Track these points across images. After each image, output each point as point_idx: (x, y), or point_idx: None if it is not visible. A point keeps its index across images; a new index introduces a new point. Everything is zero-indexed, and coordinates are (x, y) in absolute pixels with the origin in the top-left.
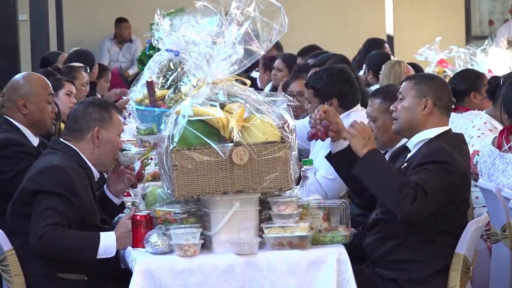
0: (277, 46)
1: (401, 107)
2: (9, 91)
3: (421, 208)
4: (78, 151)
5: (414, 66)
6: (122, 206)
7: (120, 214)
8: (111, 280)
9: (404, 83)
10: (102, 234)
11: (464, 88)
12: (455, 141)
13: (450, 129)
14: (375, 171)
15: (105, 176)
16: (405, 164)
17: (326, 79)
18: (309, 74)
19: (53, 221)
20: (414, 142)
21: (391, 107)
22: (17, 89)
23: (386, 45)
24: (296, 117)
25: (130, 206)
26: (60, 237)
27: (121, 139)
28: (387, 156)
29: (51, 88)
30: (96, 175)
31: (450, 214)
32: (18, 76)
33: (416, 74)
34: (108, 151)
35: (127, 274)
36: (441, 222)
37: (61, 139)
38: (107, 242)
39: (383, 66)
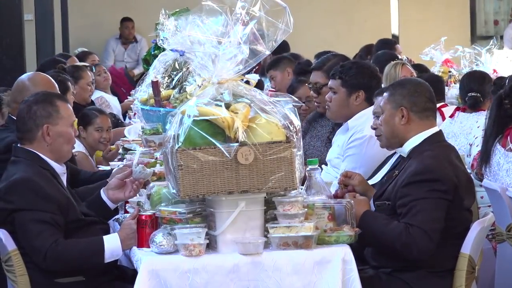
0: (285, 45)
1: (382, 122)
2: (15, 92)
3: (427, 247)
4: (38, 153)
5: (420, 66)
6: (116, 211)
7: (125, 214)
8: (109, 277)
9: (382, 96)
10: (105, 238)
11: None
12: (444, 149)
13: (437, 132)
14: (370, 234)
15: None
16: (396, 172)
17: (355, 70)
18: (332, 71)
19: (49, 236)
20: (406, 150)
21: (372, 126)
22: (21, 90)
23: (398, 46)
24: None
25: (135, 206)
26: (65, 252)
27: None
28: (394, 158)
29: (57, 88)
30: (61, 170)
31: (454, 217)
32: (23, 77)
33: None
34: (62, 143)
35: (130, 272)
36: (445, 227)
37: (19, 145)
38: (112, 246)
39: (386, 67)
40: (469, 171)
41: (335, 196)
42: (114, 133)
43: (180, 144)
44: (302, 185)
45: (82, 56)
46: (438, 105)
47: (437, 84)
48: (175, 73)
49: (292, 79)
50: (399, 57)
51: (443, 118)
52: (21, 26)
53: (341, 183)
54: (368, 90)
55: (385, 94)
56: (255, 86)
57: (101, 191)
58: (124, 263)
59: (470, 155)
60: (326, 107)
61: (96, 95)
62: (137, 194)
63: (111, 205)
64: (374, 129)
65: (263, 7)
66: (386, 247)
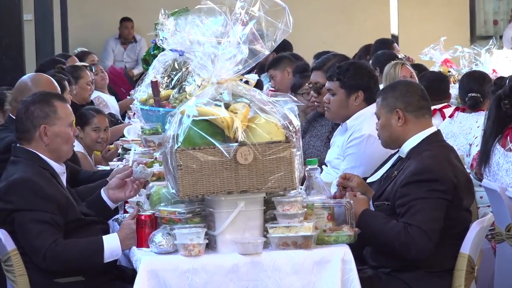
0: (288, 44)
1: (380, 126)
2: (16, 92)
3: (426, 247)
4: (37, 153)
5: (420, 66)
6: (116, 210)
7: (124, 214)
8: (108, 277)
9: (376, 102)
10: (105, 238)
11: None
12: (443, 149)
13: (435, 132)
14: (368, 233)
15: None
16: (395, 173)
17: (353, 71)
18: (329, 71)
19: (48, 236)
20: (405, 151)
21: (376, 127)
22: (23, 90)
23: (395, 45)
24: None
25: (134, 206)
26: (64, 251)
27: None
28: (396, 157)
29: (59, 90)
30: (60, 170)
31: (454, 217)
32: (26, 77)
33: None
34: (60, 144)
35: (129, 272)
36: (444, 227)
37: (18, 144)
38: (112, 246)
39: (386, 67)
40: (468, 171)
41: (334, 198)
42: (112, 131)
43: (179, 144)
44: (302, 185)
45: (81, 56)
46: (439, 106)
47: (440, 84)
48: (174, 73)
49: (293, 78)
50: (398, 56)
51: (444, 119)
52: (21, 26)
53: (339, 185)
54: (367, 90)
55: (378, 99)
56: (254, 86)
57: (101, 190)
58: (124, 263)
59: (469, 155)
60: (325, 109)
61: (94, 95)
62: (137, 194)
63: (111, 205)
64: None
65: (262, 7)
66: (385, 246)
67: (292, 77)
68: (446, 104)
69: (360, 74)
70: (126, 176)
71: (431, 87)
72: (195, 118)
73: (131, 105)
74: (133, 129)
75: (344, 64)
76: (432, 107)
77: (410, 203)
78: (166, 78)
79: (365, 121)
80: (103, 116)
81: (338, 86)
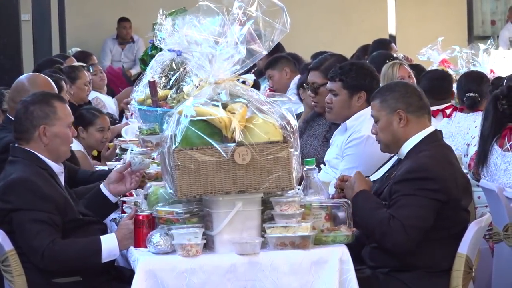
0: (278, 46)
1: (379, 129)
2: (13, 92)
3: (402, 241)
4: (36, 152)
5: (417, 66)
6: (116, 205)
7: (122, 214)
8: (106, 277)
9: (372, 104)
10: (102, 238)
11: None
12: (442, 148)
13: (433, 131)
14: (358, 213)
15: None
16: (394, 173)
17: (355, 72)
18: (330, 71)
19: (47, 235)
20: (404, 152)
21: (372, 131)
22: (20, 91)
23: (393, 45)
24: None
25: (132, 206)
26: (62, 251)
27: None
28: (396, 158)
29: (56, 89)
30: (59, 169)
31: (451, 217)
32: (23, 77)
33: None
34: (59, 144)
35: (127, 273)
36: (441, 227)
37: (16, 144)
38: (109, 246)
39: (384, 67)
40: (466, 171)
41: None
42: (111, 130)
43: (177, 144)
44: (299, 185)
45: (83, 57)
46: (442, 106)
47: (442, 82)
48: (172, 73)
49: (302, 76)
50: (395, 55)
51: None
52: (19, 26)
53: (337, 187)
54: (369, 91)
55: (374, 102)
56: (252, 86)
57: (101, 185)
58: (122, 263)
59: (467, 155)
60: (327, 109)
61: (92, 95)
62: (135, 194)
63: (113, 198)
64: (374, 133)
65: (260, 7)
66: (368, 231)
67: (289, 77)
68: (449, 104)
69: (363, 74)
70: (125, 168)
71: (433, 86)
72: (192, 118)
73: (129, 105)
74: (130, 129)
75: (346, 64)
76: (435, 108)
77: (399, 197)
78: (163, 78)
79: (364, 122)
80: (105, 116)
81: (340, 86)
